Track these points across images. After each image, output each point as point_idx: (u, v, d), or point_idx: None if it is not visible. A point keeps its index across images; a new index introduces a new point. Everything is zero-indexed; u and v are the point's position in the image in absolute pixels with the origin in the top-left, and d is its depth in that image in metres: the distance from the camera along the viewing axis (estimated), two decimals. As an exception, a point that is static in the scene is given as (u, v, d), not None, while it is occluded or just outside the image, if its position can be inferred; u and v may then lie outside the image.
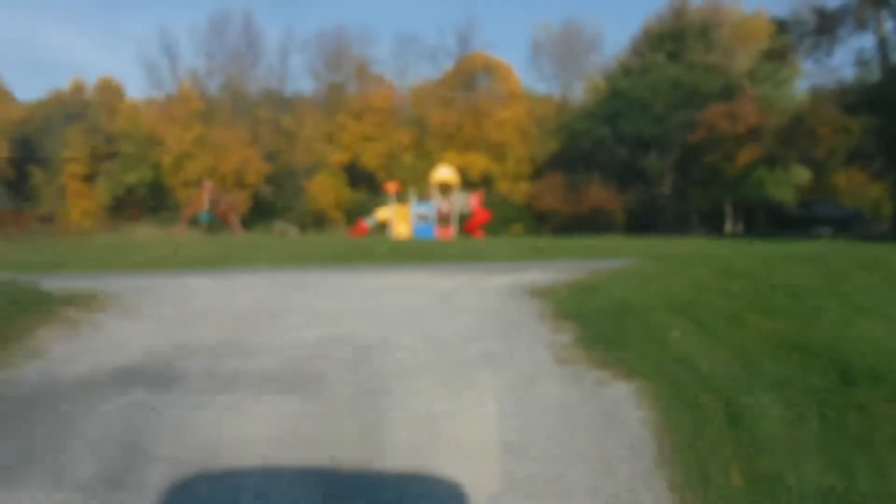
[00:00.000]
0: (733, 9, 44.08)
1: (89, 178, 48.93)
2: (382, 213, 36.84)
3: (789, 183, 35.06)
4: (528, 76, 79.81)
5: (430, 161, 44.61)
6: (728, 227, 42.42)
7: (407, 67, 78.57)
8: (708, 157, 38.49)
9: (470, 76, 50.55)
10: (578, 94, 52.89)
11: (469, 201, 36.49)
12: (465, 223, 37.08)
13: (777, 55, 34.06)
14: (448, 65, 52.41)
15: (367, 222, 37.57)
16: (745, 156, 35.68)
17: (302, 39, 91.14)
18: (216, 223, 40.24)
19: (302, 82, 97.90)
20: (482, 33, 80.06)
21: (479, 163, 45.86)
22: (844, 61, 67.18)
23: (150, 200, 47.99)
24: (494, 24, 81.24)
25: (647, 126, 39.77)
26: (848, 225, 38.57)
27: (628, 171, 42.62)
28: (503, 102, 49.21)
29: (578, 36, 52.11)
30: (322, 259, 15.33)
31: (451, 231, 35.80)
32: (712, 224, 42.46)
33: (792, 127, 33.80)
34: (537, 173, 46.81)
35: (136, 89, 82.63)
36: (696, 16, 43.00)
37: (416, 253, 17.40)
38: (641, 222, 42.31)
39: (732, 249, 18.34)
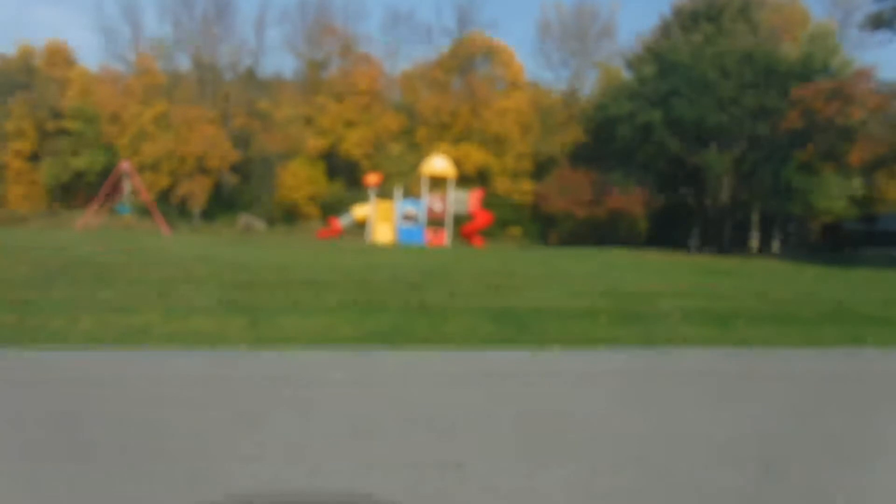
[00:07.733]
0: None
1: (34, 158, 43.08)
2: (360, 211, 31.14)
3: (844, 192, 29.42)
4: (533, 63, 73.97)
5: (420, 153, 39.12)
6: (754, 243, 37.01)
7: (398, 47, 72.79)
8: (798, 151, 30.01)
9: (468, 60, 45.14)
10: (590, 84, 47.45)
11: (467, 201, 30.94)
12: (463, 227, 31.52)
13: (880, 22, 27.43)
14: (444, 46, 46.93)
15: (342, 221, 31.89)
16: (862, 151, 26.96)
17: (280, 10, 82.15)
18: (140, 214, 34.78)
19: (278, 59, 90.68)
20: (483, 12, 73.29)
21: (475, 156, 40.47)
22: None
23: (101, 186, 42.10)
24: (498, 2, 73.48)
25: (711, 111, 31.03)
26: None
27: (676, 170, 34.63)
28: (504, 90, 44.06)
29: (592, 18, 46.65)
30: (197, 327, 6.66)
31: (445, 236, 30.31)
32: (735, 239, 36.74)
33: None
34: (542, 170, 41.40)
35: (91, 59, 73.26)
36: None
37: (403, 303, 8.73)
38: (667, 232, 36.64)
39: None
